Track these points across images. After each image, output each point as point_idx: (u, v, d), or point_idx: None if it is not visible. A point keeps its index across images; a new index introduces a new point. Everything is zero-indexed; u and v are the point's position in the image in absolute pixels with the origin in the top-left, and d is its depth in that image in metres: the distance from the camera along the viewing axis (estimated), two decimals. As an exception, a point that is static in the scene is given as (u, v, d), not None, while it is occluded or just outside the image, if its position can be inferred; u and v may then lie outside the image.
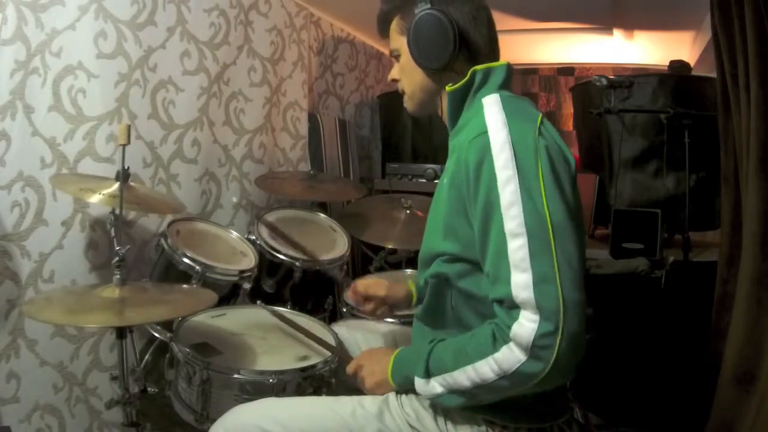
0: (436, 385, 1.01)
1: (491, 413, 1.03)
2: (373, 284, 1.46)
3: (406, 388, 1.10)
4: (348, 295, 1.47)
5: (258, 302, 1.66)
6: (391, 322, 1.68)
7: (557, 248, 0.90)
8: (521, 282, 0.89)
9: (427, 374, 1.02)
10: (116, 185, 1.51)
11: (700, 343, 1.94)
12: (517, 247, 0.90)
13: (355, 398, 1.14)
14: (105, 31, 1.77)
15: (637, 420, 2.06)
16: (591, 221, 2.52)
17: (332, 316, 2.08)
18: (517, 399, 1.00)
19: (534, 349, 0.87)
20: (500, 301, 0.93)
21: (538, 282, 0.88)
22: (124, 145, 1.32)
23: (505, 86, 1.11)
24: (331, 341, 1.46)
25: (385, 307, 1.46)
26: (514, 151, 0.94)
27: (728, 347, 1.70)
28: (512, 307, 0.90)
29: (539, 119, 1.01)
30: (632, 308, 2.09)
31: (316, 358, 1.41)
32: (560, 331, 0.86)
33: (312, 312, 1.87)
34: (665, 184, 2.27)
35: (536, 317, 0.87)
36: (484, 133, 0.98)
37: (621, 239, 2.14)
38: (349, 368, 1.24)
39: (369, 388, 1.16)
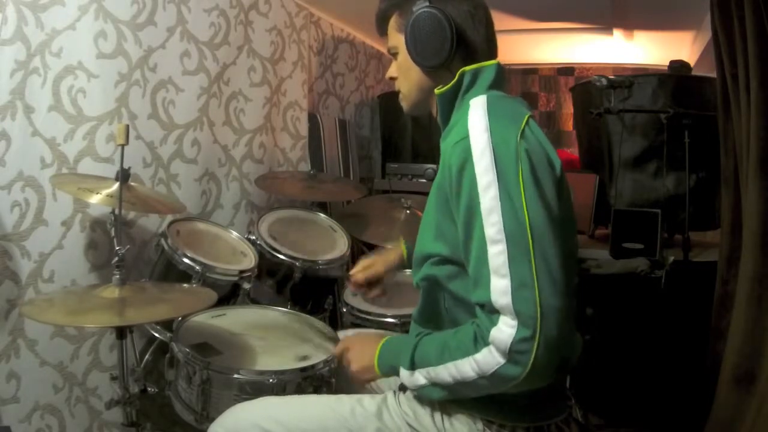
0: (419, 377, 1.02)
1: (489, 412, 1.03)
2: (368, 265, 1.48)
3: (390, 375, 1.12)
4: (350, 290, 1.48)
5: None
6: (392, 323, 1.67)
7: (536, 254, 0.90)
8: (500, 287, 0.90)
9: (412, 366, 1.03)
10: (116, 185, 1.51)
11: (700, 343, 1.94)
12: (497, 253, 0.91)
13: (354, 397, 1.14)
14: (105, 31, 1.77)
15: (637, 420, 2.06)
16: (591, 221, 2.51)
17: (332, 316, 2.08)
18: (515, 398, 1.00)
19: (512, 354, 0.88)
20: (481, 305, 0.94)
21: (517, 288, 0.89)
22: (122, 145, 1.32)
23: (495, 86, 1.09)
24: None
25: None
26: (495, 156, 0.94)
27: (728, 347, 1.70)
28: (492, 311, 0.91)
29: (525, 120, 1.00)
30: (632, 308, 2.09)
31: (316, 358, 1.41)
32: (537, 337, 0.87)
33: (312, 312, 1.87)
34: (665, 184, 2.26)
35: (514, 323, 0.88)
36: (466, 137, 0.97)
37: (621, 239, 2.13)
38: (337, 348, 1.25)
39: (355, 371, 1.17)
